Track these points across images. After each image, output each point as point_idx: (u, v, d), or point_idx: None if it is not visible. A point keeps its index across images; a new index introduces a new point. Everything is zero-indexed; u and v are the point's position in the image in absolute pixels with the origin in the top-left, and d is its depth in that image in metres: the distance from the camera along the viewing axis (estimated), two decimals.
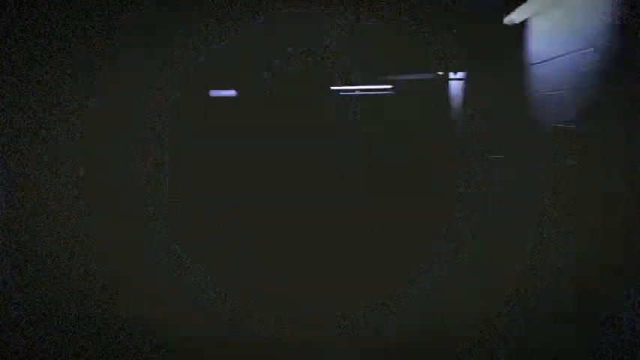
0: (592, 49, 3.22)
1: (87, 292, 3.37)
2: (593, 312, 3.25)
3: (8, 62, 2.60)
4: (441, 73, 7.57)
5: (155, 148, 4.43)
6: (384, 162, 7.43)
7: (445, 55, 6.50)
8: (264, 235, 6.10)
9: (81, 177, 3.24)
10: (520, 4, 4.20)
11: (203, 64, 5.91)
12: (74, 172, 3.17)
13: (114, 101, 3.66)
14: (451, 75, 7.52)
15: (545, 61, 4.35)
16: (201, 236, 5.80)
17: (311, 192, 7.30)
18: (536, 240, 4.28)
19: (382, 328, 3.34)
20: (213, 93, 6.31)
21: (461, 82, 7.31)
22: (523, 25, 4.96)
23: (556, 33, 4.09)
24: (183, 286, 4.21)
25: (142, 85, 4.19)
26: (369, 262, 4.94)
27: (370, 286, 4.21)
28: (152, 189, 4.37)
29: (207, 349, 3.04)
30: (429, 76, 8.16)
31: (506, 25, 5.19)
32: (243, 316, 3.55)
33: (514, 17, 4.74)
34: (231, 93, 6.38)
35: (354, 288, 4.17)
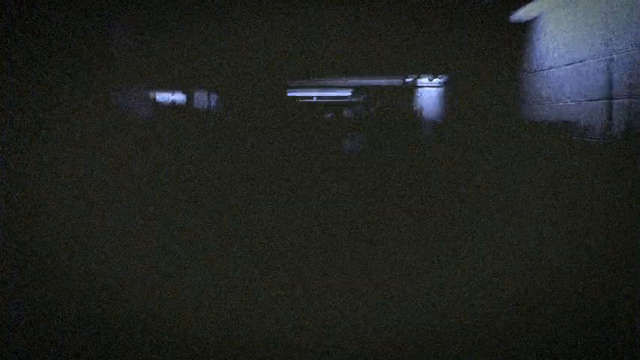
0: None
1: (87, 292, 3.37)
2: (593, 312, 3.25)
3: (8, 62, 2.60)
4: (410, 79, 6.89)
5: (155, 148, 4.43)
6: (371, 162, 7.39)
7: (426, 57, 5.77)
8: (263, 235, 6.10)
9: (81, 177, 3.24)
10: None
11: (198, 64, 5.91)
12: (74, 172, 3.17)
13: (113, 101, 3.66)
14: (427, 80, 6.91)
15: (560, 66, 3.75)
16: (202, 236, 5.80)
17: (310, 192, 7.29)
18: (536, 240, 4.28)
19: (382, 328, 3.34)
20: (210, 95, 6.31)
21: (439, 88, 6.80)
22: (531, 23, 4.29)
23: (579, 32, 3.44)
24: (183, 286, 4.20)
25: (142, 85, 4.19)
26: (369, 262, 4.94)
27: (370, 286, 4.21)
28: (152, 189, 4.37)
29: (207, 349, 3.04)
30: (397, 81, 7.42)
31: (510, 24, 4.62)
32: (243, 316, 3.55)
33: (522, 14, 4.13)
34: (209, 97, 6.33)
35: (354, 288, 4.16)
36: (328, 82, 7.38)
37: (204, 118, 5.99)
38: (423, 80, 7.00)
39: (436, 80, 6.62)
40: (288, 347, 3.06)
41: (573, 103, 3.56)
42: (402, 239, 5.78)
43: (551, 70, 3.87)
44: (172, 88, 5.02)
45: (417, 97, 8.00)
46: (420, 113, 7.57)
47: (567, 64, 3.63)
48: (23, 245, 2.73)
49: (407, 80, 7.12)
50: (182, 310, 3.66)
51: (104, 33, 3.49)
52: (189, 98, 5.53)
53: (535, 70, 4.19)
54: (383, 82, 7.43)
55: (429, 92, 7.41)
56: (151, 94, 4.46)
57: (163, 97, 4.78)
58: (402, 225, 6.40)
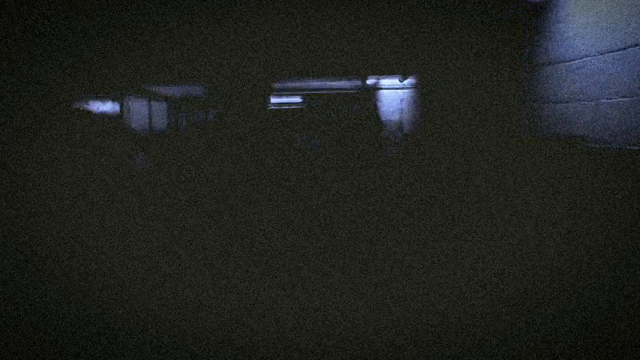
0: None
1: (87, 292, 3.37)
2: (593, 312, 3.25)
3: (8, 62, 2.60)
4: (372, 80, 6.27)
5: (156, 148, 4.42)
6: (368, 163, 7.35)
7: (399, 51, 4.91)
8: (263, 235, 6.10)
9: (81, 177, 3.24)
10: None
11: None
12: (74, 172, 3.16)
13: (113, 101, 3.66)
14: (396, 81, 6.35)
15: (586, 56, 3.03)
16: (202, 236, 5.80)
17: (309, 192, 7.30)
18: (536, 240, 4.28)
19: (382, 328, 3.34)
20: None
21: (410, 89, 6.23)
22: (547, 4, 3.53)
23: (613, 18, 2.71)
24: (183, 286, 4.20)
25: (141, 85, 4.19)
26: (369, 262, 4.94)
27: (370, 286, 4.21)
28: (152, 189, 4.36)
29: (207, 349, 3.04)
30: (355, 83, 6.76)
31: (515, 5, 3.86)
32: (243, 316, 3.55)
33: None
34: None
35: (354, 288, 4.16)
36: (281, 86, 6.80)
37: (203, 118, 5.99)
38: (391, 82, 6.43)
39: (407, 81, 6.06)
40: (288, 347, 3.06)
41: (615, 100, 2.84)
42: (402, 239, 5.78)
43: (581, 60, 3.11)
44: (170, 88, 5.02)
45: (395, 100, 7.46)
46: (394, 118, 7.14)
47: (609, 52, 2.81)
48: (23, 245, 2.73)
49: (368, 82, 6.50)
50: (182, 310, 3.66)
51: (104, 33, 3.48)
52: (187, 99, 5.53)
53: (553, 62, 3.49)
54: (342, 84, 6.82)
55: (400, 95, 6.91)
56: (150, 94, 4.45)
57: (161, 96, 4.77)
58: (402, 225, 6.40)
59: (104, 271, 3.57)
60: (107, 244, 3.62)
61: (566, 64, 3.30)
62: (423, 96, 5.75)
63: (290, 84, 6.75)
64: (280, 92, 7.56)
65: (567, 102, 3.36)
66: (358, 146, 6.81)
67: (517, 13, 3.94)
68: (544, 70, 3.62)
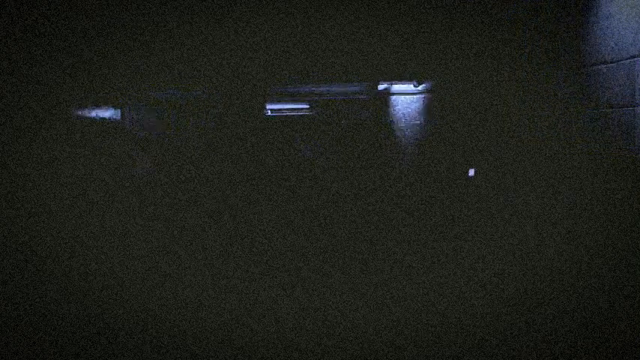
0: None
1: (87, 292, 3.37)
2: (593, 312, 3.25)
3: (8, 62, 2.60)
4: (384, 85, 6.00)
5: (155, 147, 4.43)
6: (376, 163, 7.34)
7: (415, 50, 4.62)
8: (263, 235, 6.09)
9: (81, 177, 3.24)
10: None
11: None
12: (74, 172, 3.17)
13: (113, 101, 3.66)
14: (408, 86, 6.12)
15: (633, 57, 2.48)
16: (202, 236, 5.80)
17: (309, 192, 7.29)
18: (536, 240, 4.28)
19: (382, 328, 3.34)
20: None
21: (422, 95, 6.02)
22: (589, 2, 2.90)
23: None
24: (183, 286, 4.21)
25: (141, 85, 4.19)
26: (369, 262, 4.94)
27: (370, 286, 4.21)
28: (152, 189, 4.37)
29: (207, 349, 3.04)
30: (360, 88, 6.50)
31: None
32: (243, 316, 3.55)
33: None
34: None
35: (354, 288, 4.16)
36: (283, 91, 6.59)
37: (204, 118, 6.00)
38: (404, 87, 6.18)
39: (422, 86, 5.79)
40: (288, 347, 3.06)
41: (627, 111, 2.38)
42: (402, 239, 5.78)
43: (625, 62, 2.60)
44: (172, 88, 5.02)
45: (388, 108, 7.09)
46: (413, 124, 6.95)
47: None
48: (23, 245, 2.74)
49: (379, 87, 6.22)
50: (182, 310, 3.66)
51: (104, 33, 3.49)
52: (190, 98, 5.53)
53: (616, 60, 2.79)
54: (351, 89, 6.61)
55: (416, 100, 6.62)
56: (151, 94, 4.46)
57: (163, 96, 4.78)
58: (402, 225, 6.40)
59: (104, 271, 3.57)
60: (107, 245, 3.62)
61: (608, 65, 2.82)
62: (435, 99, 5.59)
63: (294, 89, 6.66)
64: (284, 97, 7.49)
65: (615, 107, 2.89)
66: (358, 146, 6.79)
67: (524, 11, 3.63)
68: (604, 71, 3.02)
